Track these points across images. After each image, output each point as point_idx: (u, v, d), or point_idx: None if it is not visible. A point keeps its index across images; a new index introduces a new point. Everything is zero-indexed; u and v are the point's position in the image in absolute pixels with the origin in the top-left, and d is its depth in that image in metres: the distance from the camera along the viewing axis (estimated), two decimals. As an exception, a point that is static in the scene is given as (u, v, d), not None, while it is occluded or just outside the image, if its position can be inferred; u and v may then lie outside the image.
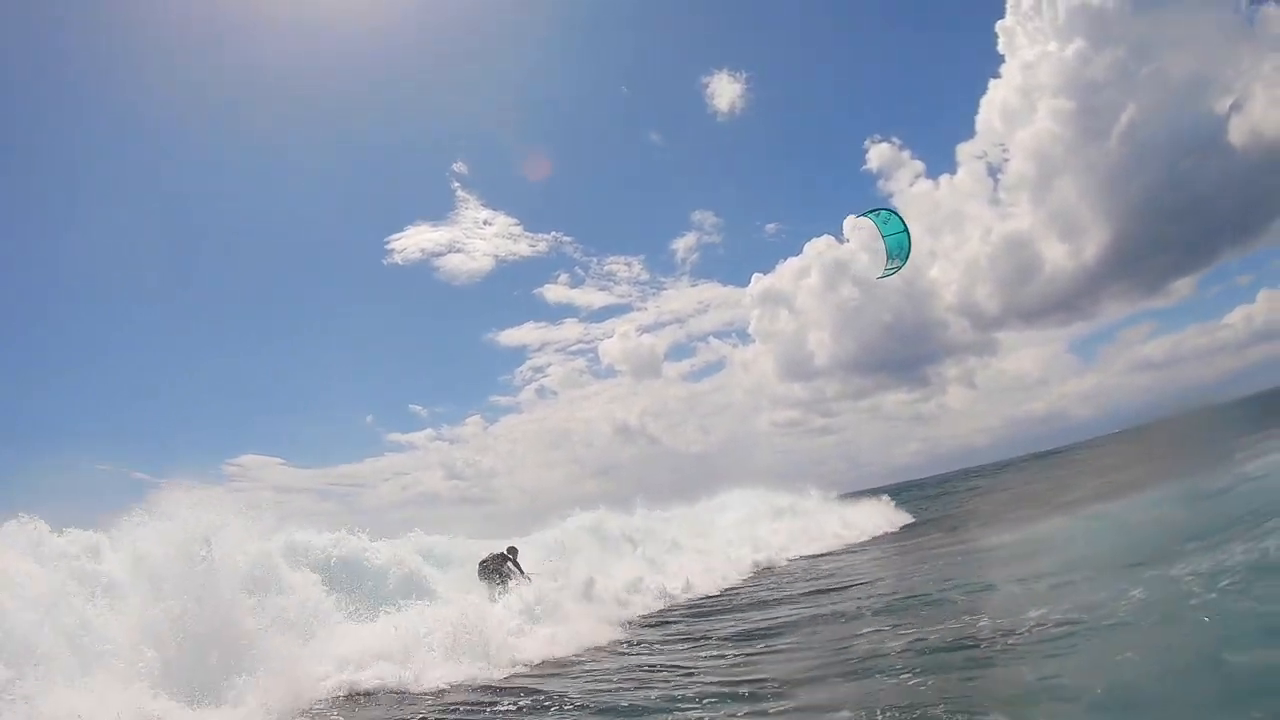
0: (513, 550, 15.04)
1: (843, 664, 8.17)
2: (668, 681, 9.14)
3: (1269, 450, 13.52)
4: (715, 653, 10.24)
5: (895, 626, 9.33)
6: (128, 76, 70.04)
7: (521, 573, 14.45)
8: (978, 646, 7.56)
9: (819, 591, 13.53)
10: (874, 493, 37.47)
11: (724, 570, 17.41)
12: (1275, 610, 6.00)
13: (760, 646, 10.06)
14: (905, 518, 26.03)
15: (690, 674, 9.41)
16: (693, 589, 15.94)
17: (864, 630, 9.46)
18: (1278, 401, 26.41)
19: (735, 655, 9.86)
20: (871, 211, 13.24)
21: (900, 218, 12.99)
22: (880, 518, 25.38)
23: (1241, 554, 7.79)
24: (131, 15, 71.80)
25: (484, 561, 14.75)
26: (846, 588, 13.30)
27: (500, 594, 13.21)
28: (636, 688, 9.02)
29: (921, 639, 8.32)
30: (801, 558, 19.82)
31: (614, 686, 9.29)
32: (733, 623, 12.17)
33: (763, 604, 13.47)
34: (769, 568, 18.76)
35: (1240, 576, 7.07)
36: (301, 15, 78.40)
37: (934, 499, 29.01)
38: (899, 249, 13.08)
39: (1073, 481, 22.99)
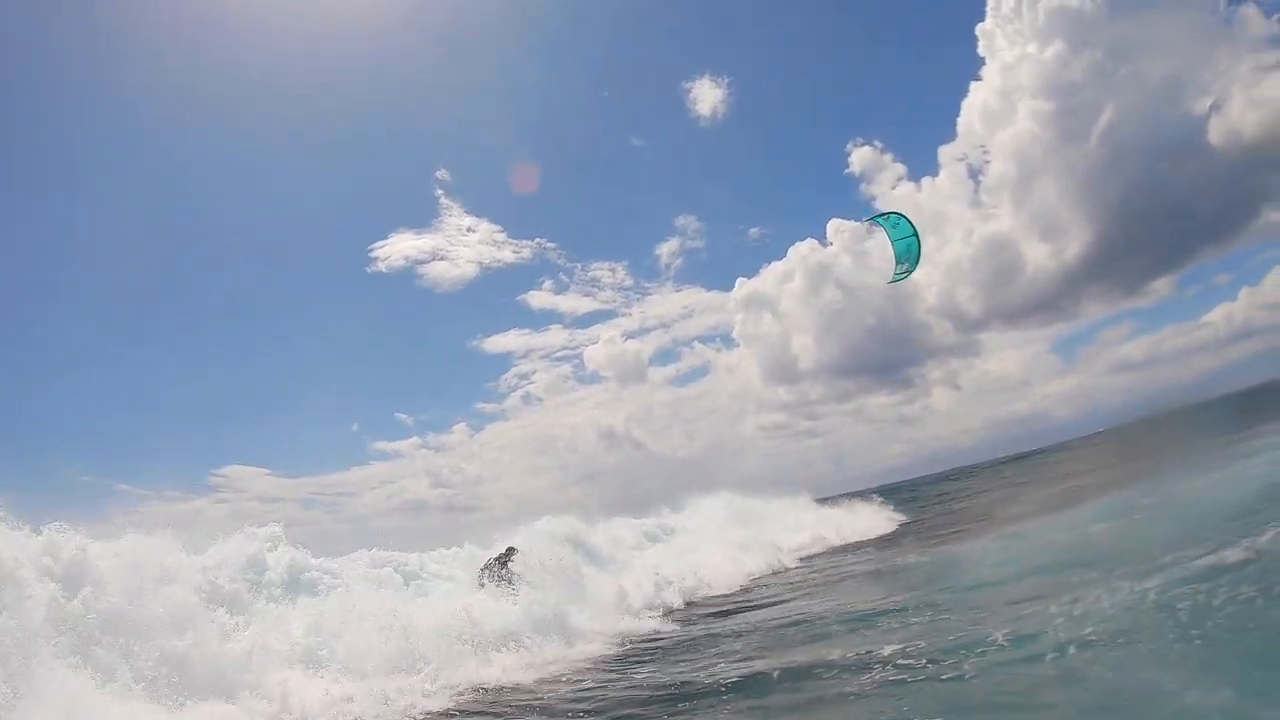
0: (511, 551, 14.60)
1: (670, 695, 7.56)
2: (497, 703, 8.72)
3: (1215, 465, 12.56)
4: (573, 676, 9.51)
5: (751, 658, 8.53)
6: (106, 78, 67.88)
7: (508, 576, 13.81)
8: (808, 689, 6.76)
9: (722, 613, 12.59)
10: (861, 495, 36.61)
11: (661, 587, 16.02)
12: (1113, 689, 5.01)
13: (613, 674, 9.20)
14: (870, 527, 24.57)
15: (533, 696, 8.83)
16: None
17: (718, 662, 8.61)
18: (1252, 400, 25.13)
19: (586, 681, 9.10)
20: (880, 216, 12.67)
21: (909, 222, 12.41)
22: (838, 527, 24.09)
23: (1125, 595, 6.77)
24: (112, 16, 69.66)
25: (484, 566, 14.52)
26: (750, 609, 12.37)
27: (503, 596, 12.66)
28: (480, 712, 8.51)
29: (763, 674, 7.54)
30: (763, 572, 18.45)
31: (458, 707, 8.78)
32: (615, 644, 11.27)
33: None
34: (781, 571, 17.58)
35: (1106, 629, 6.05)
36: (279, 24, 76.38)
37: (899, 507, 27.76)
38: (908, 253, 12.52)
39: (1028, 490, 21.83)
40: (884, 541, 19.39)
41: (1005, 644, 6.45)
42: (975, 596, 8.83)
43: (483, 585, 13.86)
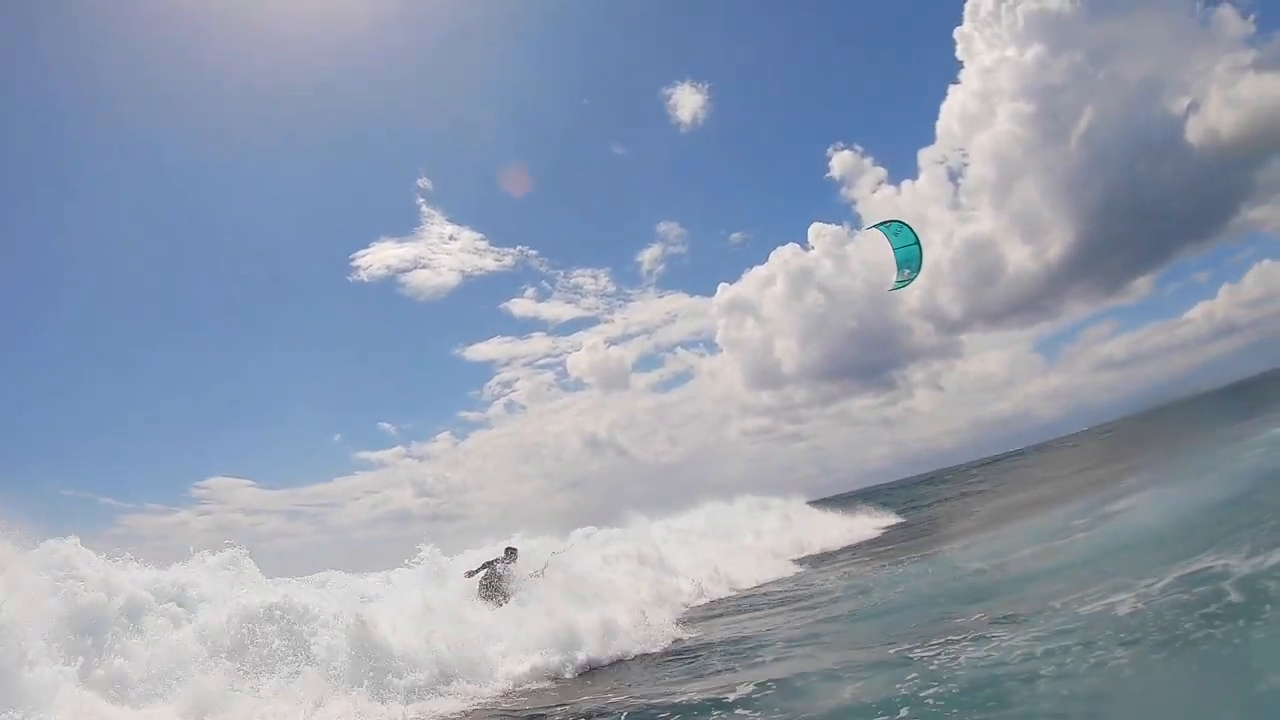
0: (511, 551, 12.59)
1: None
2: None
3: (1175, 473, 12.01)
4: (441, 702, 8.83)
5: (614, 691, 7.90)
6: (84, 79, 66.00)
7: (496, 582, 12.07)
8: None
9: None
10: (845, 499, 35.73)
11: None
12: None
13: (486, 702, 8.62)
14: (845, 536, 23.51)
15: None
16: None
17: (582, 695, 8.07)
18: (1233, 398, 24.16)
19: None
20: (883, 224, 12.77)
21: (911, 229, 12.59)
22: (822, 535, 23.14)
23: (993, 646, 6.15)
24: (91, 15, 67.29)
25: (474, 570, 12.47)
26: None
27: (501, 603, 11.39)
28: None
29: (611, 715, 6.82)
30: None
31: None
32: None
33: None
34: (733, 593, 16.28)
35: (949, 690, 5.36)
36: (260, 30, 74.06)
37: (869, 515, 27.00)
38: (909, 260, 12.69)
39: (987, 500, 21.03)
40: (846, 552, 18.54)
41: (849, 697, 5.77)
42: (859, 630, 8.22)
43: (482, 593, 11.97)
